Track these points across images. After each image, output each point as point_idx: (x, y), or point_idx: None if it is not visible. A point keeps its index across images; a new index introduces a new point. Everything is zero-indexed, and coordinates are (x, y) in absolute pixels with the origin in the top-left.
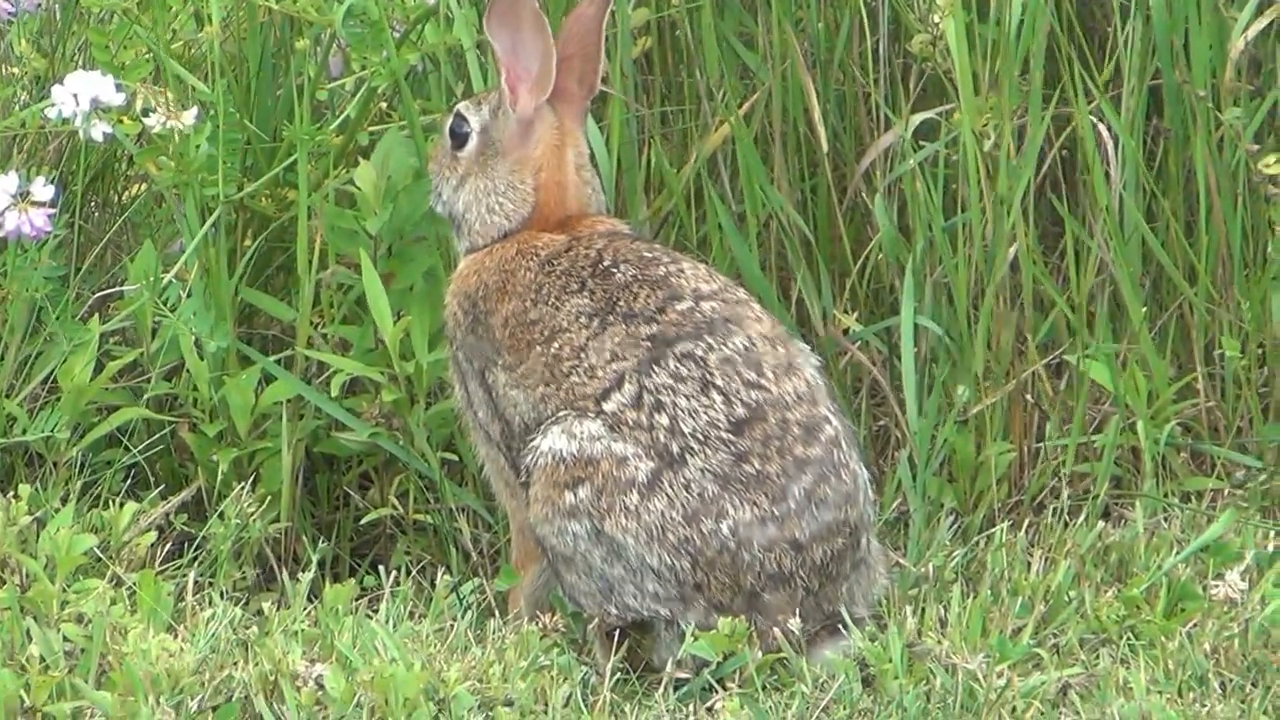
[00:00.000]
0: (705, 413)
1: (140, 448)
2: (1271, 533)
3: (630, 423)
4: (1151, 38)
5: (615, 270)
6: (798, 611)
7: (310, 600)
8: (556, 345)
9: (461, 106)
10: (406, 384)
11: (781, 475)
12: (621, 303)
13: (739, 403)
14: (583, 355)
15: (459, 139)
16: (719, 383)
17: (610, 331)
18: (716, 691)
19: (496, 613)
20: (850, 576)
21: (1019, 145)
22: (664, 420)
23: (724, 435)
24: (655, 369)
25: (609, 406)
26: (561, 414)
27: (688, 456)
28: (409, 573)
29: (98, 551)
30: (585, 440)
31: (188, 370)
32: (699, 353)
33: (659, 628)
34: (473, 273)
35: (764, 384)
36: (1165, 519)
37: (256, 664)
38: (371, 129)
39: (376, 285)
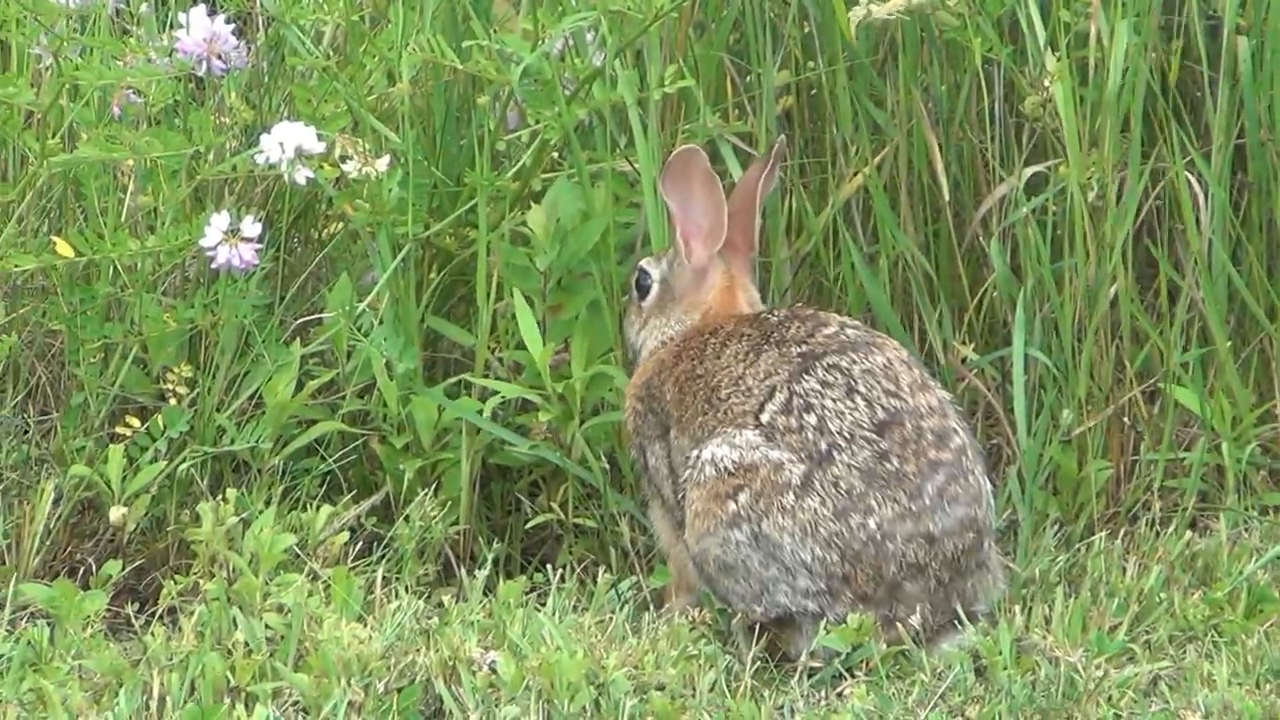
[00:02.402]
0: (850, 414)
1: (335, 457)
2: None
3: (782, 428)
4: (1238, 100)
5: (770, 316)
6: (928, 603)
7: (485, 594)
8: (716, 380)
9: (643, 262)
10: (562, 402)
11: (917, 475)
12: (775, 335)
13: (880, 408)
14: (740, 382)
15: (643, 290)
16: (861, 389)
17: (764, 357)
18: (845, 679)
19: (651, 607)
20: (974, 574)
21: (1119, 196)
22: (812, 419)
23: (867, 435)
24: (805, 377)
25: (764, 417)
26: (717, 430)
27: (835, 453)
28: (573, 571)
29: (296, 549)
30: (746, 449)
31: (378, 389)
32: (844, 364)
33: (803, 622)
34: (646, 368)
35: (901, 395)
36: (1246, 530)
37: (437, 651)
38: (544, 176)
39: (529, 318)
